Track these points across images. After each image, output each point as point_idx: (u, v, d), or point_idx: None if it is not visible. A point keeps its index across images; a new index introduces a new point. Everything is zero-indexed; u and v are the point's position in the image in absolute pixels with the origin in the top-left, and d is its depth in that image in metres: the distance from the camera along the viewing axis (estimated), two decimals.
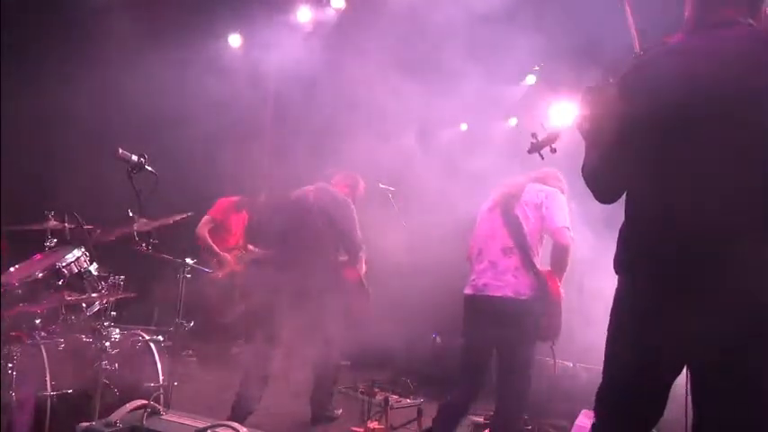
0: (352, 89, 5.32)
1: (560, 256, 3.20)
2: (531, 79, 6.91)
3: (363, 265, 4.35)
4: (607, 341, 1.90)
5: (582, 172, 1.97)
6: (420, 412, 3.65)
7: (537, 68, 6.76)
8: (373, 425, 3.58)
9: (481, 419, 4.08)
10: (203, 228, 5.73)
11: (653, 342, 1.77)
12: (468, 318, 3.36)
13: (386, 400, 3.73)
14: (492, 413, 3.46)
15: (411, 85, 4.94)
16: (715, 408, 1.73)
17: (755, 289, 1.63)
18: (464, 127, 7.54)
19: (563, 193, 3.35)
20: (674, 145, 1.76)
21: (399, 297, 5.38)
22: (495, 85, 5.79)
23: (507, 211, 3.28)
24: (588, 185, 1.95)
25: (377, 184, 5.02)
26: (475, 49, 4.70)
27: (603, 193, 1.94)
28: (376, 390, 4.44)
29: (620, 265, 1.88)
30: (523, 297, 3.14)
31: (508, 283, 3.16)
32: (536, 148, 2.19)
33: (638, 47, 2.16)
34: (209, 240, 5.72)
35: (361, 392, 4.46)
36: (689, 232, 1.71)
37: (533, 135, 2.21)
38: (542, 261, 3.30)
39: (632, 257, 1.86)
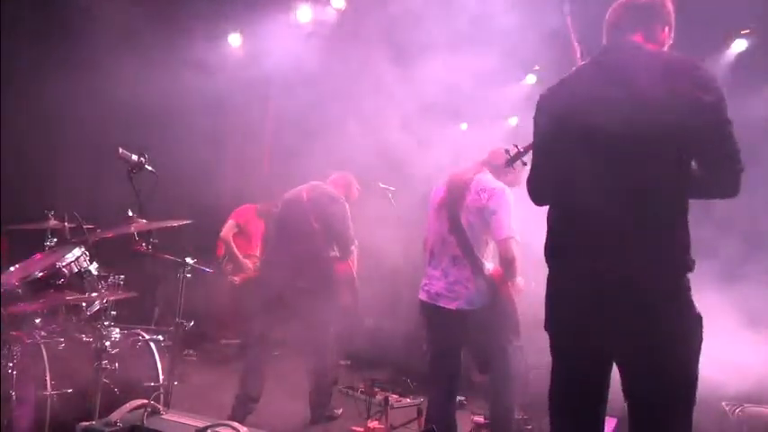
0: (351, 88, 5.31)
1: (506, 267, 3.11)
2: (531, 79, 6.91)
3: (355, 261, 4.36)
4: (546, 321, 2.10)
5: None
6: (420, 412, 3.64)
7: (537, 68, 6.76)
8: (373, 424, 3.58)
9: (482, 419, 4.08)
10: (228, 232, 5.70)
11: (578, 318, 1.97)
12: (426, 323, 3.35)
13: (386, 399, 3.73)
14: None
15: (411, 85, 4.93)
16: (635, 398, 1.90)
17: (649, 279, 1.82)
18: (464, 126, 7.54)
19: (512, 184, 3.21)
20: (583, 153, 1.94)
21: (399, 296, 5.38)
22: (496, 85, 5.77)
23: (453, 216, 3.18)
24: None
25: (377, 183, 5.02)
26: (475, 49, 4.69)
27: (534, 198, 2.25)
28: (376, 389, 4.44)
29: (550, 251, 2.09)
30: (478, 306, 3.12)
31: (460, 294, 3.13)
32: (509, 162, 2.67)
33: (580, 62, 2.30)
34: (234, 246, 5.70)
35: (361, 392, 4.46)
36: (595, 229, 1.92)
37: (506, 152, 2.67)
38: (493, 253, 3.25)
39: (557, 246, 2.07)
